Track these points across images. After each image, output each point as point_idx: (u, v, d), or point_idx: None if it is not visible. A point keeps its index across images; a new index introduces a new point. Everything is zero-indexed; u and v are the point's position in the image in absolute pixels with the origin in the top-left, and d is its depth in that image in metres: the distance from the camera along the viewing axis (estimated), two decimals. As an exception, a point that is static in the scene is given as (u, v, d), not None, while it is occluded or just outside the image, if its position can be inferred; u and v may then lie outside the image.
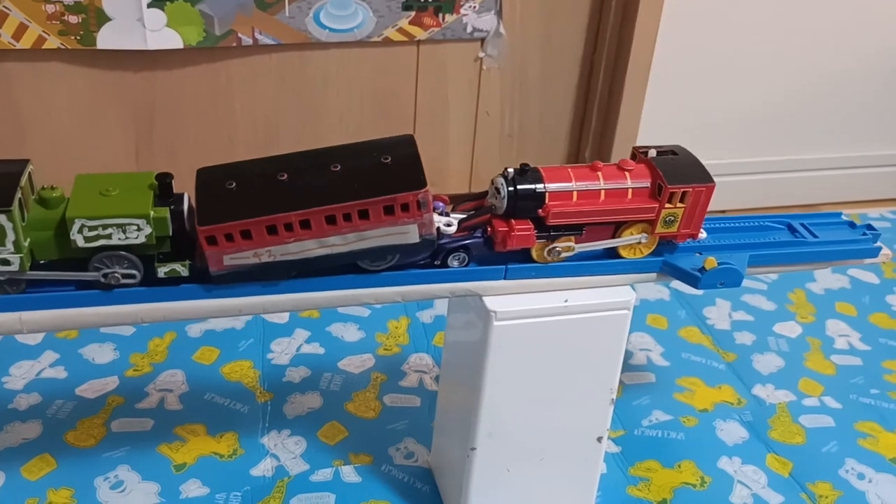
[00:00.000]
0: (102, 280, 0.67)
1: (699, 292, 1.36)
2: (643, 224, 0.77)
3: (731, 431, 1.08)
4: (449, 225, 0.73)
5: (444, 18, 1.36)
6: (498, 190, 0.75)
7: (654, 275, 0.81)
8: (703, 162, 0.79)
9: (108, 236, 0.65)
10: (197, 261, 0.69)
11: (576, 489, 0.91)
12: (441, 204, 0.75)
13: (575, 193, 0.75)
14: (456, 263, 0.75)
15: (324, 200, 0.67)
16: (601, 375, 0.83)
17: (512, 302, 0.76)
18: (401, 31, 1.35)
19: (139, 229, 0.65)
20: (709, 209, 0.78)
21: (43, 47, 1.20)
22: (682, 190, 0.75)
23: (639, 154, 0.79)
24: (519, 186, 0.74)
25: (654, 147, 0.79)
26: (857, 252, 0.86)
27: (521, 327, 0.77)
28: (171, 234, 0.67)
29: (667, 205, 0.76)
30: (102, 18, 1.20)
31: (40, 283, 0.68)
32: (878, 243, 0.88)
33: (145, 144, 1.34)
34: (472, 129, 1.49)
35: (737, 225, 0.87)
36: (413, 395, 1.10)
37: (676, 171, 0.76)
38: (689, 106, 1.55)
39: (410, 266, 0.74)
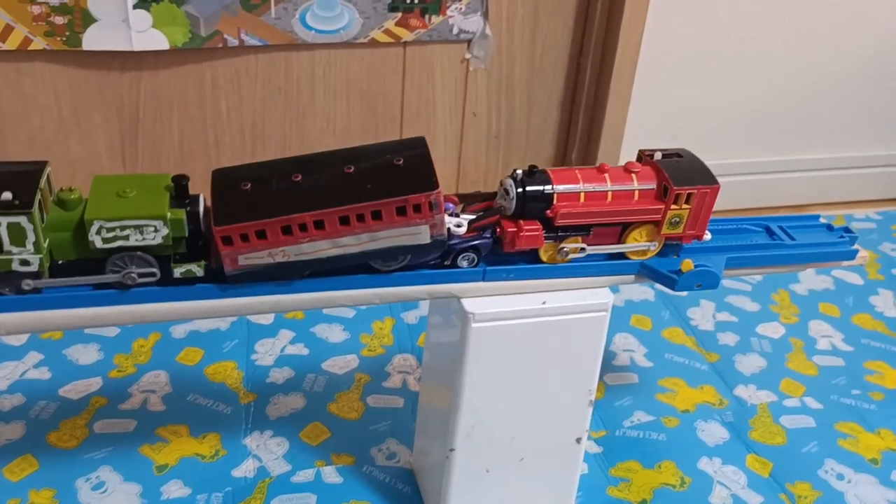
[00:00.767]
0: (119, 281, 0.68)
1: (684, 293, 1.37)
2: (649, 225, 0.78)
3: (712, 432, 1.08)
4: (459, 226, 0.74)
5: (430, 20, 1.36)
6: (507, 191, 0.76)
7: (632, 276, 0.81)
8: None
9: (126, 237, 0.66)
10: (212, 261, 0.70)
11: (556, 490, 0.92)
12: (451, 205, 0.76)
13: (582, 195, 0.76)
14: (465, 264, 0.76)
15: (338, 201, 0.68)
16: (580, 377, 0.83)
17: (490, 304, 0.77)
18: (387, 32, 1.35)
19: (156, 230, 0.66)
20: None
21: (29, 48, 1.20)
22: (687, 191, 0.77)
23: (644, 156, 0.80)
24: (528, 188, 0.75)
25: (660, 150, 0.80)
26: (834, 254, 0.87)
27: (499, 329, 0.77)
28: (186, 234, 0.68)
29: (672, 206, 0.77)
30: (88, 19, 1.20)
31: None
32: (856, 245, 0.88)
33: (131, 145, 1.34)
34: (458, 129, 1.49)
35: (715, 227, 0.87)
36: (396, 395, 1.11)
37: (682, 172, 0.77)
38: (676, 107, 1.56)
39: (421, 266, 0.75)
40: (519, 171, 0.76)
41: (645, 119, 1.53)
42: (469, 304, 0.76)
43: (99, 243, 0.66)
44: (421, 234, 0.71)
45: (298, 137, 1.41)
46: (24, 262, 0.65)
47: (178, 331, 1.19)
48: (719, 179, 0.78)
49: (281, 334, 1.20)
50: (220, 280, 0.70)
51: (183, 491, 0.94)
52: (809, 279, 1.45)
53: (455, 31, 1.38)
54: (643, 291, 1.37)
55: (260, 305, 0.73)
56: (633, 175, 0.78)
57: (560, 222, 0.75)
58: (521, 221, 0.76)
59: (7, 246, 0.64)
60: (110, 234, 0.65)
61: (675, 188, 0.76)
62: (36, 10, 1.18)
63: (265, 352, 1.16)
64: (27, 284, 0.67)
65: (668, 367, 1.20)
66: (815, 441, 1.08)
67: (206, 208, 0.71)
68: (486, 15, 1.38)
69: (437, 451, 0.88)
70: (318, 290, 0.74)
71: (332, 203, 0.68)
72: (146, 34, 1.24)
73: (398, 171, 0.70)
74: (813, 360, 1.25)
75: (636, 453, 1.04)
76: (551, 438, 0.87)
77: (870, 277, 1.48)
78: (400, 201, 0.68)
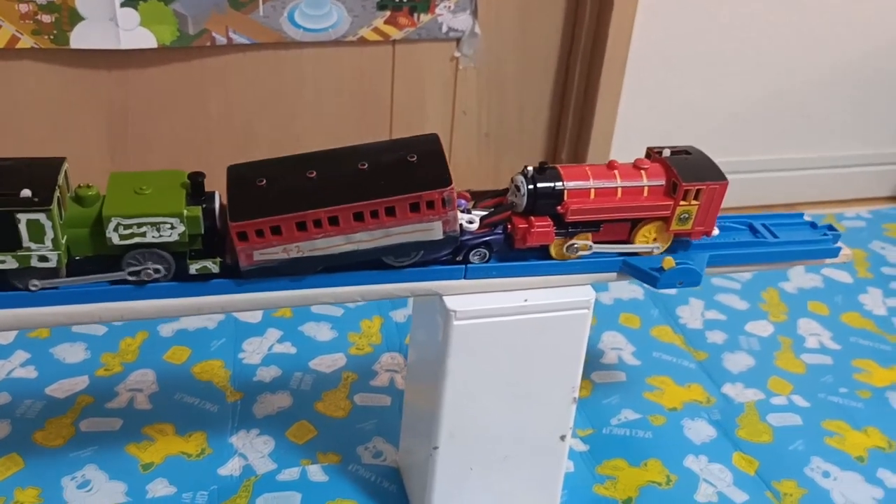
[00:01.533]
0: (134, 278, 0.69)
1: (672, 291, 1.37)
2: (659, 221, 0.79)
3: (699, 430, 1.08)
4: (471, 222, 0.75)
5: (419, 18, 1.36)
6: (518, 188, 0.77)
7: (614, 274, 0.81)
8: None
9: (143, 234, 0.67)
10: (227, 257, 0.71)
11: (540, 488, 0.92)
12: (463, 201, 0.77)
13: (593, 191, 0.77)
14: (477, 259, 0.77)
15: (352, 197, 0.69)
16: (563, 374, 0.83)
17: (472, 301, 0.77)
18: (376, 30, 1.35)
19: (173, 227, 0.67)
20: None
21: (16, 47, 1.20)
22: (696, 188, 0.77)
23: (653, 153, 0.81)
24: (539, 184, 0.76)
25: (668, 147, 0.81)
26: (817, 252, 0.87)
27: (480, 327, 0.77)
28: (203, 231, 0.69)
29: (681, 202, 0.78)
30: (76, 18, 1.20)
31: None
32: (839, 243, 0.88)
33: (120, 144, 1.34)
34: (449, 128, 1.49)
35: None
36: (384, 394, 1.11)
37: (691, 169, 0.78)
38: (666, 106, 1.56)
39: (433, 262, 0.76)
40: (530, 168, 0.77)
41: (635, 118, 1.53)
42: (451, 302, 0.76)
43: (116, 240, 0.67)
44: (434, 231, 0.71)
45: (288, 136, 1.41)
46: (43, 259, 0.66)
47: (166, 329, 1.19)
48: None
49: (269, 333, 1.20)
50: (235, 276, 0.71)
51: (168, 489, 0.94)
52: (799, 277, 1.45)
53: (444, 29, 1.39)
54: (632, 290, 1.37)
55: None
56: (643, 172, 0.79)
57: (571, 219, 0.76)
58: (532, 218, 0.76)
59: (26, 242, 0.65)
60: (127, 231, 0.66)
61: (684, 184, 0.77)
62: (23, 8, 1.18)
63: (252, 350, 1.16)
64: (34, 285, 0.68)
65: (655, 366, 1.21)
66: (802, 439, 1.08)
67: (221, 205, 0.72)
68: (475, 13, 1.38)
69: (421, 449, 0.88)
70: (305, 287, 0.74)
71: (347, 199, 0.69)
72: (134, 32, 1.24)
73: (412, 168, 0.71)
74: (801, 358, 1.25)
75: (623, 451, 1.04)
76: (535, 436, 0.87)
77: (859, 276, 1.48)
78: (413, 197, 0.69)
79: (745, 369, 1.21)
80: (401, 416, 1.00)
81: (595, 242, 0.78)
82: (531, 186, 0.76)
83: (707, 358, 1.23)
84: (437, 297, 0.77)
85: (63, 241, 0.66)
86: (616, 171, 0.78)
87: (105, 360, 1.12)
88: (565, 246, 0.77)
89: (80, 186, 0.69)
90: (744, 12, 1.50)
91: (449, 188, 0.69)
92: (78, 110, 1.29)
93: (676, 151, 0.81)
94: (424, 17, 1.36)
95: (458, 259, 0.76)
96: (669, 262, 0.79)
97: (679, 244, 0.82)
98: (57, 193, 0.65)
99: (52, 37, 1.21)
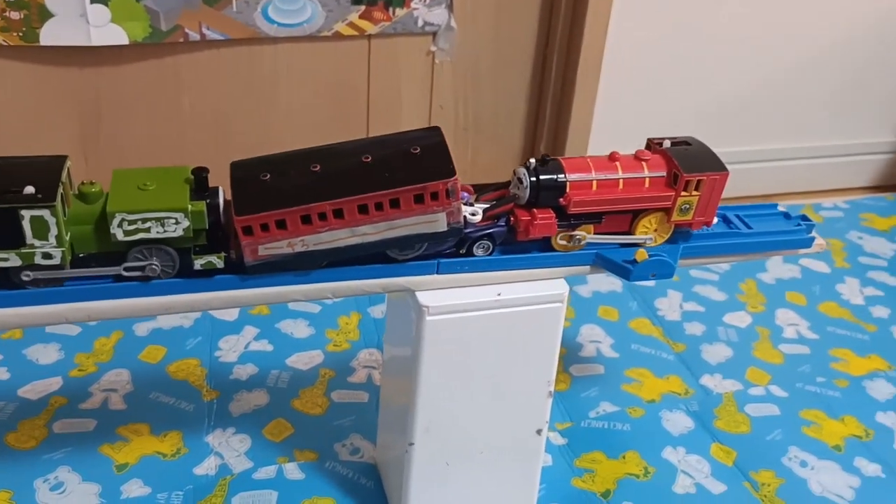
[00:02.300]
0: (139, 274, 0.69)
1: (651, 283, 1.37)
2: (660, 212, 0.79)
3: (677, 421, 1.08)
4: (474, 214, 0.75)
5: (394, 12, 1.35)
6: (521, 180, 0.77)
7: (587, 267, 0.81)
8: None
9: (147, 230, 0.67)
10: (232, 253, 0.71)
11: (518, 482, 0.91)
12: (465, 194, 0.77)
13: (595, 183, 0.77)
14: (481, 252, 0.77)
15: (356, 190, 0.69)
16: (538, 368, 0.83)
17: (445, 296, 0.76)
18: (351, 25, 1.34)
19: (177, 223, 0.67)
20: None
21: (-16, 44, 1.19)
22: (697, 178, 0.78)
23: (654, 144, 0.81)
24: (541, 176, 0.76)
25: (669, 138, 0.81)
26: (791, 242, 0.87)
27: (454, 322, 0.77)
28: (207, 227, 0.69)
29: (682, 193, 0.78)
30: (45, 14, 1.19)
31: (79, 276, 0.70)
32: (813, 233, 0.89)
33: (93, 142, 1.32)
34: (426, 123, 1.49)
35: (673, 217, 0.87)
36: (361, 390, 1.10)
37: (691, 160, 0.79)
38: (644, 99, 1.55)
39: (437, 255, 0.76)
40: (532, 160, 0.77)
41: (612, 111, 1.53)
42: (423, 297, 0.76)
43: (120, 236, 0.66)
44: (438, 222, 0.71)
45: (264, 132, 1.40)
46: (47, 256, 0.66)
47: (141, 329, 1.18)
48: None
49: (245, 331, 1.19)
50: (240, 271, 0.71)
51: (143, 490, 0.93)
52: (777, 268, 1.46)
53: (420, 23, 1.38)
54: (611, 283, 1.37)
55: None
56: (644, 163, 0.79)
57: (573, 210, 0.76)
58: (535, 210, 0.77)
59: (30, 239, 0.65)
60: (132, 227, 0.66)
61: (685, 175, 0.77)
62: (-9, 5, 1.16)
63: (229, 348, 1.15)
64: (26, 275, 0.67)
65: (634, 358, 1.21)
66: (780, 429, 1.09)
67: (225, 201, 0.71)
68: (450, 7, 1.37)
69: (398, 445, 0.87)
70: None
71: (351, 192, 0.69)
72: (105, 29, 1.22)
73: (415, 160, 0.71)
74: (779, 348, 1.26)
75: (601, 444, 1.04)
76: (511, 430, 0.87)
77: (837, 266, 1.49)
78: (418, 189, 0.69)
79: (723, 360, 1.22)
80: (378, 412, 0.99)
81: (597, 234, 0.79)
82: (534, 179, 0.76)
83: (685, 349, 1.23)
84: (409, 292, 0.77)
85: (67, 238, 0.66)
86: (618, 163, 0.78)
87: (79, 361, 1.11)
88: (567, 236, 0.78)
89: (83, 183, 0.69)
90: (719, 5, 1.50)
91: (453, 179, 0.69)
92: (50, 108, 1.28)
93: (677, 142, 0.81)
94: (400, 12, 1.36)
95: (461, 251, 0.77)
96: (642, 254, 0.78)
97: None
98: (60, 190, 0.65)
99: (21, 34, 1.19)
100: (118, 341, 1.15)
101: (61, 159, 0.69)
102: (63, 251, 0.66)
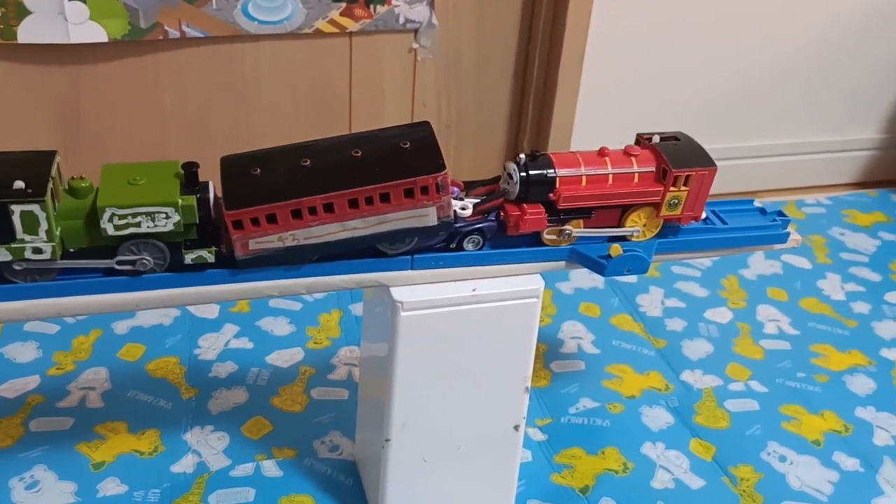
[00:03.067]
0: (129, 268, 0.69)
1: (633, 279, 1.37)
2: (649, 207, 0.79)
3: (657, 417, 1.09)
4: (464, 209, 0.76)
5: (375, 10, 1.35)
6: (510, 175, 0.77)
7: (562, 263, 0.81)
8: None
9: (138, 224, 0.67)
10: (222, 247, 0.71)
11: (496, 478, 0.91)
12: (455, 189, 0.77)
13: (584, 178, 0.78)
14: (471, 246, 0.77)
15: (347, 184, 0.69)
16: (514, 364, 0.83)
17: (419, 292, 0.76)
18: (332, 22, 1.34)
19: (167, 217, 0.67)
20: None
21: (-39, 42, 1.18)
22: (686, 174, 0.78)
23: (643, 140, 0.81)
24: (531, 172, 0.76)
25: (658, 133, 0.82)
26: (766, 238, 0.87)
27: (429, 317, 0.77)
28: (197, 221, 0.68)
29: (671, 188, 0.78)
30: (23, 12, 1.18)
31: (69, 270, 0.69)
32: (789, 228, 0.89)
33: (73, 140, 1.32)
34: (408, 120, 1.48)
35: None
36: (341, 387, 1.10)
37: (680, 155, 0.79)
38: (626, 96, 1.56)
39: (427, 249, 0.76)
40: (522, 156, 0.77)
41: (595, 108, 1.53)
42: (398, 293, 0.76)
43: (111, 230, 0.66)
44: (428, 216, 0.72)
45: (245, 130, 1.40)
46: (37, 250, 0.66)
47: (121, 327, 1.17)
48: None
49: (225, 328, 1.19)
50: (231, 266, 0.71)
51: (119, 488, 0.92)
52: (758, 264, 1.46)
53: (401, 20, 1.38)
54: (592, 279, 1.37)
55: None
56: (633, 158, 0.79)
57: (563, 205, 0.77)
58: (525, 205, 0.77)
59: (20, 234, 0.65)
60: (122, 222, 0.66)
61: (673, 171, 0.77)
62: (-33, 2, 1.15)
63: (209, 346, 1.15)
64: (18, 265, 0.67)
65: (615, 354, 1.21)
66: (759, 424, 1.09)
67: (215, 195, 0.71)
68: (432, 4, 1.37)
69: (375, 441, 0.87)
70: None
71: (342, 186, 0.69)
72: (83, 26, 1.21)
73: (405, 154, 0.71)
74: (760, 344, 1.26)
75: (580, 440, 1.04)
76: (488, 426, 0.87)
77: (818, 262, 1.50)
78: (408, 183, 0.69)
79: (703, 356, 1.22)
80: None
81: (586, 228, 0.79)
82: (523, 174, 0.76)
83: (666, 345, 1.24)
84: (384, 288, 0.77)
85: (57, 233, 0.66)
86: (607, 158, 0.79)
87: (57, 359, 1.11)
88: (557, 231, 0.78)
89: (73, 178, 0.68)
90: (701, 1, 1.50)
91: (443, 173, 0.70)
92: (28, 106, 1.27)
93: (665, 138, 0.81)
94: (381, 9, 1.35)
95: (451, 246, 0.77)
96: (617, 249, 0.79)
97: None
98: (50, 185, 0.65)
99: (-2, 31, 1.18)
100: (97, 339, 1.15)
101: (51, 154, 0.68)
102: (53, 246, 0.66)
